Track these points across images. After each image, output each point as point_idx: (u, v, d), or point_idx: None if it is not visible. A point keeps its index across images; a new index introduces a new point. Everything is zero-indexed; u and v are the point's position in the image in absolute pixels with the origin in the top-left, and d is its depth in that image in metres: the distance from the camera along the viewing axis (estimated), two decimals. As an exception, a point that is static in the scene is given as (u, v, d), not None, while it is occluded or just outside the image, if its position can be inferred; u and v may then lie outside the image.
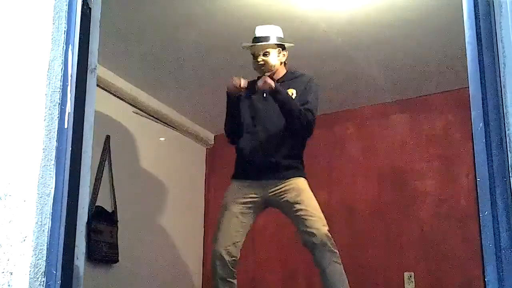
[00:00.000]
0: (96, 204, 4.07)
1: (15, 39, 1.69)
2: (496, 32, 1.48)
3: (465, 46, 1.58)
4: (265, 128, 3.11)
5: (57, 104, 1.65)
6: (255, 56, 3.16)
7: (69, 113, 1.67)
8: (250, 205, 3.08)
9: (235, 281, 3.02)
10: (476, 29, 1.55)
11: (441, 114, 4.66)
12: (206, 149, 5.64)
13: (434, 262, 4.39)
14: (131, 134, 4.62)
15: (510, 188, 1.38)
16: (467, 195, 4.33)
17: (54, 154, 1.62)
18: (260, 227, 4.30)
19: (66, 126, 1.65)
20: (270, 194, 3.07)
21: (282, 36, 3.17)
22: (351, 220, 4.70)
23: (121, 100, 4.46)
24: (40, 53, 1.66)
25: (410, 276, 4.45)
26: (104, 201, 4.18)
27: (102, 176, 4.20)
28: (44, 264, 1.53)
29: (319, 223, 2.96)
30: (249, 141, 3.13)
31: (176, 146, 5.21)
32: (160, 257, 4.74)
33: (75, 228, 1.66)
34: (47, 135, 1.61)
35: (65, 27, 1.72)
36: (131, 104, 4.58)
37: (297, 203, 3.00)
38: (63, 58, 1.69)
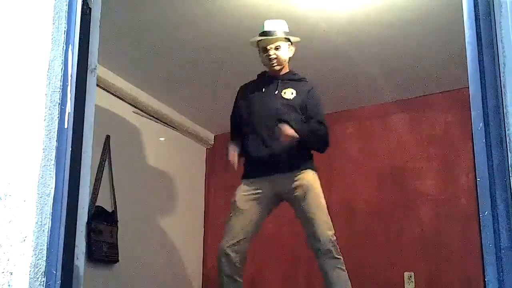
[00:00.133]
0: (96, 204, 4.07)
1: (15, 39, 1.69)
2: (496, 32, 1.48)
3: (465, 46, 1.58)
4: (266, 123, 3.09)
5: (57, 104, 1.65)
6: (265, 50, 3.14)
7: (69, 113, 1.67)
8: (259, 201, 3.06)
9: (240, 279, 2.99)
10: (476, 29, 1.55)
11: (441, 114, 4.66)
12: (206, 149, 5.64)
13: (434, 262, 4.38)
14: (131, 134, 4.62)
15: (510, 188, 1.38)
16: (467, 195, 4.33)
17: (54, 154, 1.62)
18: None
19: (66, 126, 1.65)
20: (279, 188, 3.06)
21: (288, 31, 3.17)
22: (351, 220, 4.70)
23: (121, 100, 4.46)
24: (40, 53, 1.66)
25: (410, 276, 4.45)
26: (104, 201, 4.18)
27: (102, 176, 4.20)
28: (44, 264, 1.53)
29: (324, 227, 2.95)
30: (252, 138, 3.12)
31: (176, 146, 5.21)
32: (160, 257, 4.74)
33: (75, 228, 1.66)
34: (47, 135, 1.61)
35: (65, 27, 1.72)
36: (131, 104, 4.58)
37: (305, 204, 3.00)
38: (63, 58, 1.69)
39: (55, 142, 1.63)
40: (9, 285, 1.48)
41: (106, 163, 4.27)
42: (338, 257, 2.94)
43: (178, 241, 4.96)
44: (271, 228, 4.76)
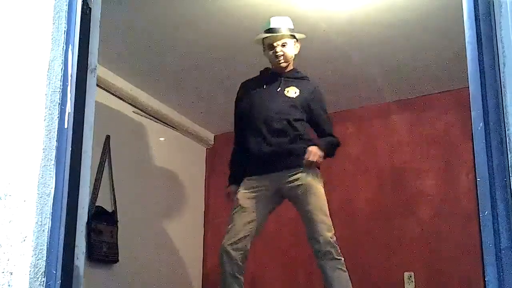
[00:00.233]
0: (96, 204, 4.06)
1: (15, 39, 1.69)
2: (496, 32, 1.48)
3: (465, 46, 1.58)
4: (268, 121, 3.09)
5: (57, 104, 1.65)
6: (271, 47, 3.14)
7: (69, 113, 1.67)
8: (261, 199, 3.06)
9: (242, 277, 2.98)
10: (476, 29, 1.55)
11: (441, 114, 4.66)
12: (206, 149, 5.63)
13: (434, 262, 4.38)
14: (131, 134, 4.62)
15: (510, 188, 1.38)
16: (467, 195, 4.32)
17: (54, 154, 1.62)
18: (260, 227, 4.30)
19: (66, 126, 1.65)
20: (281, 185, 3.05)
21: (293, 28, 3.17)
22: (351, 220, 4.69)
23: (121, 100, 4.46)
24: (40, 53, 1.66)
25: (410, 276, 4.45)
26: (104, 201, 4.18)
27: (102, 176, 4.20)
28: (44, 264, 1.53)
29: (323, 229, 2.94)
30: (253, 135, 3.11)
31: (176, 146, 5.20)
32: (160, 257, 4.74)
33: (75, 228, 1.66)
34: (47, 135, 1.61)
35: (65, 27, 1.72)
36: (131, 104, 4.57)
37: (305, 204, 2.99)
38: (63, 58, 1.69)
39: (55, 142, 1.63)
40: (9, 285, 1.48)
41: (106, 163, 4.27)
42: (339, 258, 2.93)
43: (178, 241, 4.96)
44: (271, 228, 4.75)
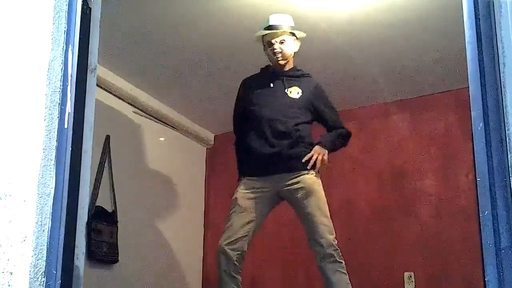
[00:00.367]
0: (96, 204, 4.06)
1: (15, 39, 1.69)
2: (496, 32, 1.48)
3: (465, 46, 1.58)
4: (271, 123, 3.08)
5: (57, 104, 1.65)
6: (270, 44, 3.14)
7: (69, 113, 1.67)
8: (260, 200, 3.05)
9: (239, 276, 2.98)
10: (476, 29, 1.55)
11: (441, 114, 4.66)
12: (206, 149, 5.63)
13: (434, 262, 4.38)
14: (131, 134, 4.62)
15: (510, 188, 1.38)
16: (467, 195, 4.33)
17: (54, 154, 1.62)
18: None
19: (66, 126, 1.65)
20: (281, 188, 3.05)
21: (294, 25, 3.17)
22: (351, 220, 4.70)
23: (121, 100, 4.46)
24: (40, 53, 1.66)
25: (410, 276, 4.45)
26: (104, 201, 4.18)
27: (102, 176, 4.20)
28: (44, 264, 1.53)
29: (326, 231, 2.93)
30: (255, 135, 3.10)
31: (176, 146, 5.20)
32: (160, 257, 4.74)
33: (75, 228, 1.66)
34: (47, 135, 1.61)
35: (65, 27, 1.72)
36: (131, 104, 4.58)
37: (306, 206, 2.98)
38: (63, 58, 1.69)
39: (55, 142, 1.63)
40: (9, 285, 1.48)
41: (106, 163, 4.27)
42: (340, 261, 2.92)
43: (178, 241, 4.96)
44: (271, 228, 4.76)
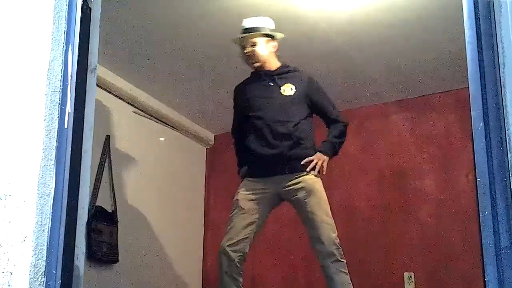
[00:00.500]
0: (96, 204, 4.07)
1: (15, 39, 1.69)
2: (496, 32, 1.48)
3: (465, 46, 1.58)
4: (270, 124, 3.09)
5: (57, 104, 1.65)
6: (243, 48, 3.16)
7: (69, 113, 1.67)
8: (261, 201, 3.05)
9: (240, 278, 2.98)
10: (476, 29, 1.54)
11: (441, 114, 4.66)
12: (206, 149, 5.63)
13: (434, 262, 4.38)
14: (131, 134, 4.62)
15: (510, 188, 1.38)
16: (467, 195, 4.33)
17: (54, 154, 1.62)
18: (260, 227, 4.30)
19: (66, 126, 1.65)
20: (282, 189, 3.05)
21: (273, 27, 3.17)
22: (351, 220, 4.69)
23: (121, 100, 4.46)
24: (40, 53, 1.66)
25: (410, 276, 4.45)
26: (104, 201, 4.18)
27: (102, 176, 4.20)
28: (44, 264, 1.53)
29: (328, 230, 2.94)
30: (255, 138, 3.11)
31: (176, 146, 5.20)
32: (160, 257, 4.74)
33: (75, 228, 1.66)
34: (47, 135, 1.61)
35: (65, 27, 1.72)
36: (131, 104, 4.58)
37: (308, 206, 2.98)
38: (63, 58, 1.69)
39: (55, 142, 1.62)
40: (9, 285, 1.48)
41: (106, 163, 4.27)
42: (342, 260, 2.93)
43: (178, 241, 4.96)
44: (271, 228, 4.76)
